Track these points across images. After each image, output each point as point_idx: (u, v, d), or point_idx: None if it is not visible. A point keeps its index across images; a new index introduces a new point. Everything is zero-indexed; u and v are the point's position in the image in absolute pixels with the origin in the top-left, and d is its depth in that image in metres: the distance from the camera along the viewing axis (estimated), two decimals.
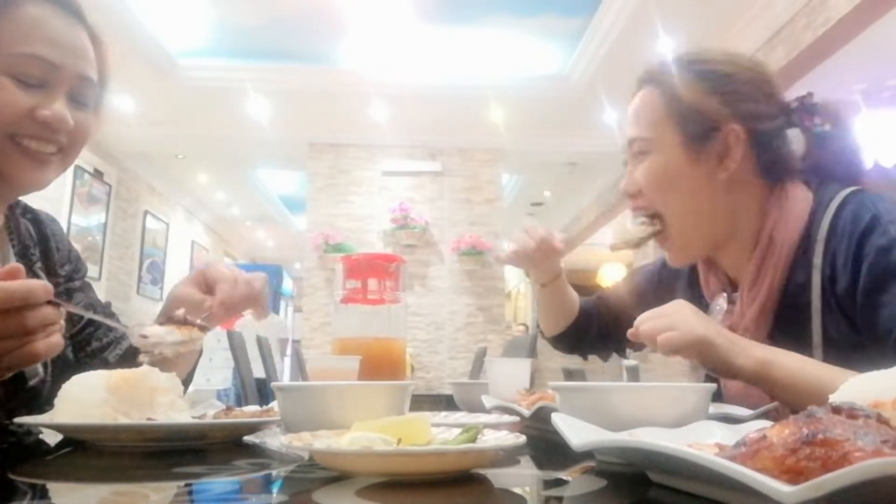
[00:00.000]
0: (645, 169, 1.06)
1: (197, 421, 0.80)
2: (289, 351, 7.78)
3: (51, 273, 1.08)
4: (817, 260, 0.96)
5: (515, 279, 13.46)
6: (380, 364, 1.25)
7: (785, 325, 1.00)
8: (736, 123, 1.01)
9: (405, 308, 1.39)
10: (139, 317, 7.35)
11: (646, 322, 0.93)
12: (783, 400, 0.89)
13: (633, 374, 0.92)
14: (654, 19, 4.48)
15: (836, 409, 0.39)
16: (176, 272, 8.53)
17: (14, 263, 0.70)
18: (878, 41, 4.02)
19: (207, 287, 1.07)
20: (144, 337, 0.87)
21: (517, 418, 0.97)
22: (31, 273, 1.03)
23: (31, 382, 0.95)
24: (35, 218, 1.12)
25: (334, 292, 1.40)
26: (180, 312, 0.91)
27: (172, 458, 0.69)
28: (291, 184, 8.44)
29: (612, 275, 11.16)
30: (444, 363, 6.34)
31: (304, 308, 6.55)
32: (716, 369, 0.91)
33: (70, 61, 0.93)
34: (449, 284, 6.46)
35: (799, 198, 1.01)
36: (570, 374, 3.13)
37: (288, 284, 9.65)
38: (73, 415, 0.75)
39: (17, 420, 0.79)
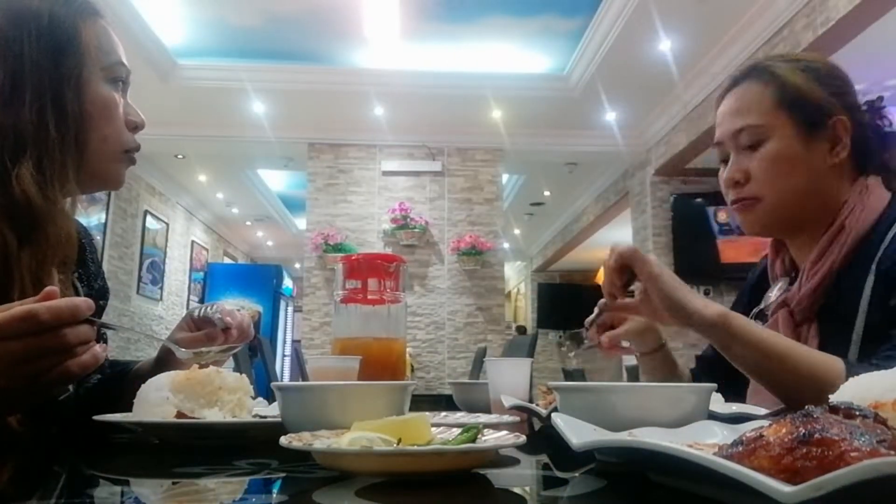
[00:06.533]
0: (763, 156, 1.07)
1: (229, 419, 0.82)
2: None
3: (85, 285, 1.07)
4: (878, 253, 0.98)
5: (515, 279, 13.46)
6: (380, 364, 1.25)
7: (832, 308, 1.03)
8: (842, 114, 1.06)
9: (405, 308, 1.39)
10: (138, 317, 7.35)
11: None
12: (737, 358, 0.92)
13: (633, 374, 0.92)
14: (654, 19, 4.49)
15: (834, 409, 0.39)
16: (176, 272, 8.54)
17: (50, 288, 0.70)
18: (878, 41, 4.02)
19: (196, 328, 1.08)
20: (198, 353, 0.96)
21: (517, 419, 0.97)
22: (69, 282, 1.01)
23: (61, 397, 0.93)
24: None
25: (334, 292, 1.40)
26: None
27: (172, 458, 0.69)
28: (291, 184, 8.44)
29: None
30: (443, 363, 6.34)
31: (304, 308, 6.55)
32: (670, 308, 0.95)
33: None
34: (449, 284, 6.46)
35: (877, 193, 1.05)
36: (569, 374, 3.13)
37: (288, 284, 9.65)
38: (143, 414, 0.81)
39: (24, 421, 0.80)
